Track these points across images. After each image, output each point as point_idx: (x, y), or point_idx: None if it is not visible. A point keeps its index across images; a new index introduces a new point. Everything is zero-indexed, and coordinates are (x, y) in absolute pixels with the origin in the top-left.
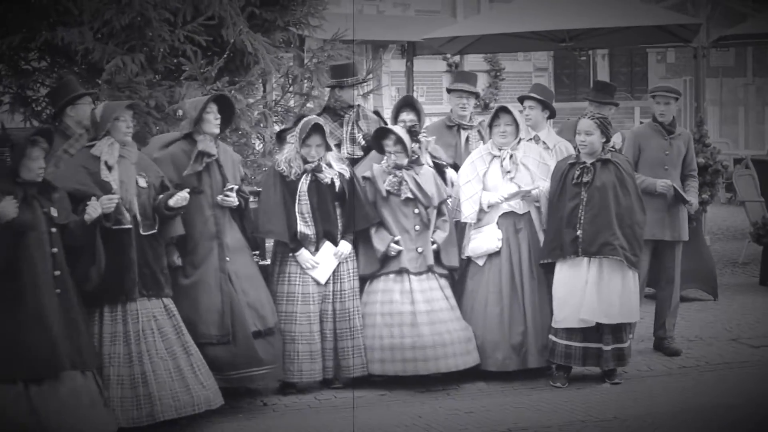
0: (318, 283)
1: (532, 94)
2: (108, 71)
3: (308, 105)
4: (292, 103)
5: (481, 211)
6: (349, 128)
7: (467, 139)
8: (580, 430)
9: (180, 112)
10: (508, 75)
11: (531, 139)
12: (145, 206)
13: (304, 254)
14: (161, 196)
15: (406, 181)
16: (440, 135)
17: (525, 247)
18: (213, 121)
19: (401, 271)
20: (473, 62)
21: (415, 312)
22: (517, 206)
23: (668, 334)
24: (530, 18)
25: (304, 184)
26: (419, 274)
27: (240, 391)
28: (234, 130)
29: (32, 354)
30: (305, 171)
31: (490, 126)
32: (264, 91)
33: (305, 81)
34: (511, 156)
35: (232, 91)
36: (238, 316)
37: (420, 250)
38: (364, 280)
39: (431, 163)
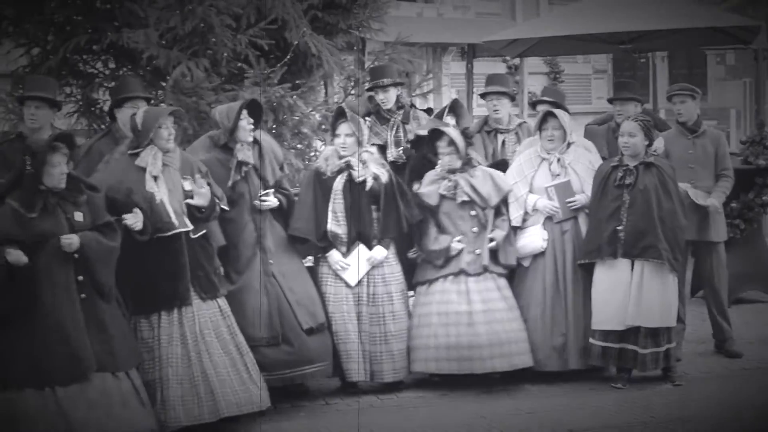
0: (348, 285)
1: (544, 98)
2: (174, 78)
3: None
4: None
5: (526, 213)
6: (394, 132)
7: (503, 143)
8: (642, 431)
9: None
10: (568, 77)
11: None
12: (193, 213)
13: (334, 255)
14: (186, 200)
15: (460, 184)
16: (475, 139)
17: (570, 249)
18: (246, 127)
19: (459, 273)
20: (532, 65)
21: (471, 312)
22: (559, 213)
23: (727, 336)
24: (590, 20)
25: (339, 183)
26: (477, 275)
27: (301, 390)
28: (296, 134)
29: (53, 361)
30: (341, 169)
31: (540, 130)
32: (326, 94)
33: (366, 84)
34: (558, 159)
35: (294, 96)
36: (287, 316)
37: (478, 252)
38: (419, 284)
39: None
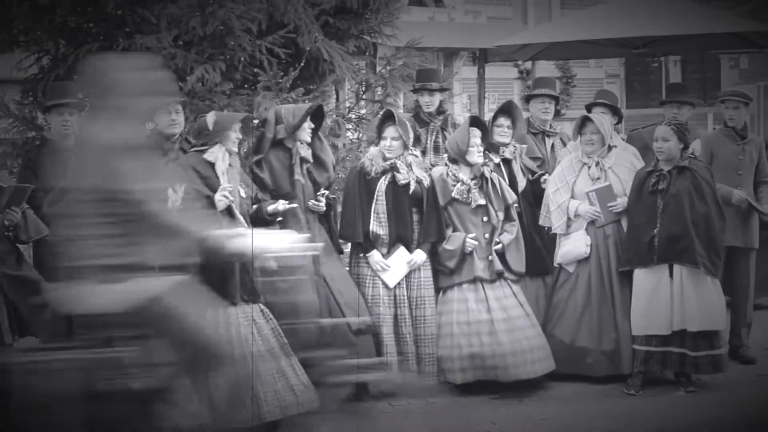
0: (387, 287)
1: (601, 100)
2: (193, 80)
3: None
4: (364, 110)
5: (569, 219)
6: (434, 137)
7: (552, 146)
8: None
9: (256, 122)
10: (580, 82)
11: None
12: (245, 216)
13: (375, 255)
14: (261, 203)
15: (476, 187)
16: (528, 143)
17: (614, 253)
18: (307, 129)
19: (475, 280)
20: (544, 69)
21: (492, 320)
22: (600, 218)
23: (743, 342)
24: (603, 26)
25: (382, 184)
26: (492, 282)
27: (354, 393)
28: None
29: None
30: (385, 170)
31: (580, 134)
32: (337, 99)
33: (378, 88)
34: (597, 163)
35: (306, 101)
36: (337, 317)
37: (491, 258)
38: (436, 291)
39: (523, 169)
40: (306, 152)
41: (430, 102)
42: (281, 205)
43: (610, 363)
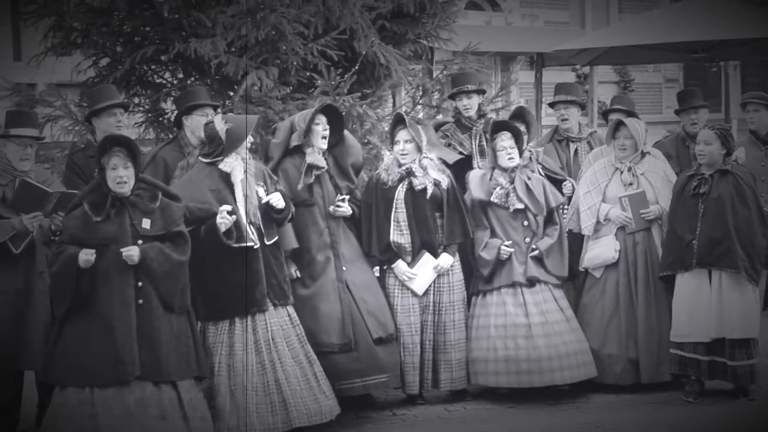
0: (416, 295)
1: (615, 107)
2: (244, 86)
3: (438, 117)
4: (421, 115)
5: (598, 222)
6: (477, 141)
7: (576, 151)
8: None
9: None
10: (638, 86)
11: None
12: (266, 216)
13: (400, 266)
14: (263, 201)
15: (515, 190)
16: (548, 149)
17: (642, 261)
18: (321, 132)
19: (514, 284)
20: (602, 74)
21: (530, 324)
22: (632, 224)
23: None
24: (661, 29)
25: (400, 192)
26: (531, 286)
27: (369, 400)
28: (365, 143)
29: (95, 361)
30: (401, 177)
31: (613, 138)
32: (394, 104)
33: (435, 93)
34: (629, 168)
35: (363, 106)
36: (359, 325)
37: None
38: (474, 295)
39: (540, 173)
40: (316, 158)
41: (468, 105)
42: (278, 198)
43: (636, 371)
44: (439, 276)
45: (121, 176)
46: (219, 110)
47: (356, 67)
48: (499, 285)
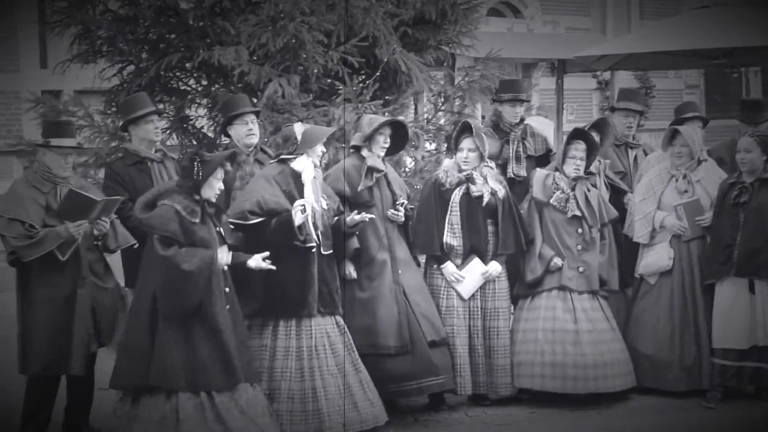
0: (461, 298)
1: (692, 114)
2: (267, 95)
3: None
4: (443, 121)
5: (653, 230)
6: (515, 146)
7: (635, 158)
8: None
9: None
10: (659, 92)
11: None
12: (326, 227)
13: (449, 267)
14: (341, 216)
15: (575, 198)
16: (608, 155)
17: (697, 268)
18: (381, 142)
19: (563, 288)
20: (623, 80)
21: (578, 331)
22: (687, 232)
23: None
24: (682, 36)
25: (457, 195)
26: (581, 293)
27: (391, 405)
28: None
29: (209, 366)
30: (460, 182)
31: (670, 146)
32: (416, 111)
33: (457, 100)
34: (684, 176)
35: (386, 113)
36: (414, 327)
37: (581, 269)
38: (521, 298)
39: (607, 184)
40: (376, 162)
41: (518, 113)
42: (358, 216)
43: (690, 377)
44: (486, 282)
45: (222, 187)
46: (259, 116)
47: (378, 74)
48: (550, 287)
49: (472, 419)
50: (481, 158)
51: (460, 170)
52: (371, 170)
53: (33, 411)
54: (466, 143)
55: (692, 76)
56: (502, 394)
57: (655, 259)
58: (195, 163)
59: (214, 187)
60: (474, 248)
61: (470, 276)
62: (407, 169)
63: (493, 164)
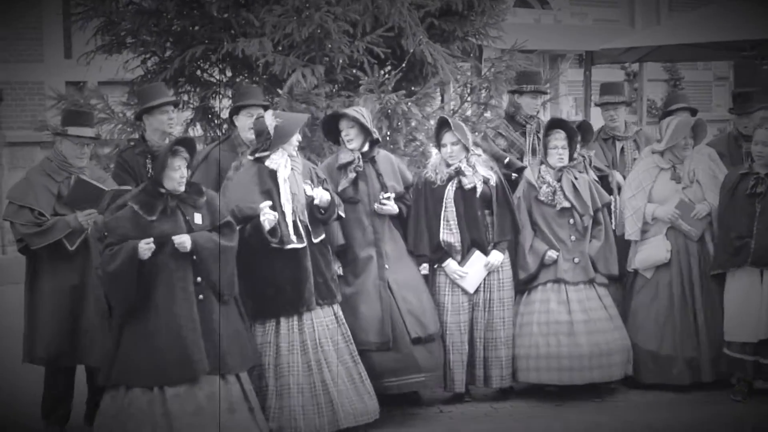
0: (467, 293)
1: (680, 105)
2: (289, 84)
3: (485, 114)
4: (469, 112)
5: (646, 223)
6: (531, 139)
7: (622, 149)
8: None
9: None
10: (687, 84)
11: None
12: (314, 214)
13: (450, 265)
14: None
15: (562, 189)
16: (593, 147)
17: (695, 259)
18: (343, 136)
19: (558, 281)
20: (652, 72)
21: (572, 321)
22: (693, 233)
23: None
24: (711, 28)
25: (450, 191)
26: (576, 284)
27: (415, 397)
28: (411, 140)
29: (165, 361)
30: (450, 177)
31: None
32: (442, 101)
33: (483, 91)
34: (674, 167)
35: (409, 103)
36: (398, 324)
37: (576, 260)
38: (520, 292)
39: (595, 177)
40: (345, 157)
41: (536, 105)
42: (320, 190)
43: (691, 371)
44: (489, 273)
45: (183, 176)
46: (269, 108)
47: (403, 65)
48: (545, 280)
49: (498, 411)
50: (466, 149)
51: (448, 165)
52: (343, 166)
53: (53, 403)
54: (447, 137)
55: (721, 68)
56: (504, 385)
57: (652, 252)
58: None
59: (173, 178)
60: (474, 241)
61: (473, 270)
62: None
63: (480, 150)
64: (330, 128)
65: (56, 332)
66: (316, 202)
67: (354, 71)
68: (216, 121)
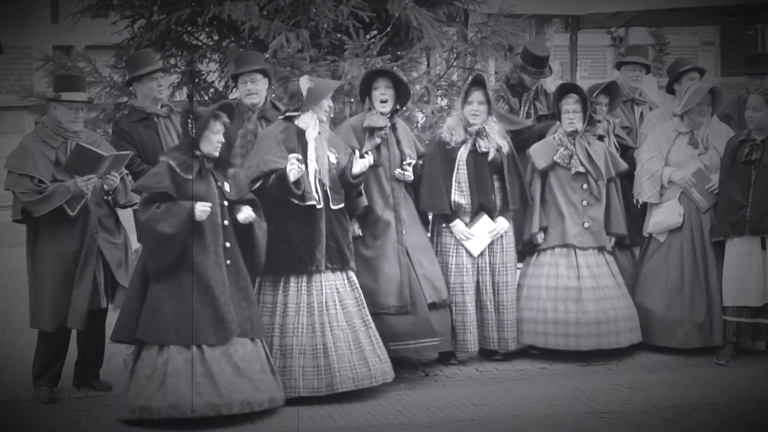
0: (471, 255)
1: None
2: (272, 48)
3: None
4: (455, 77)
5: (662, 187)
6: (526, 108)
7: (641, 114)
8: (745, 408)
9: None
10: (674, 49)
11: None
12: (335, 181)
13: (458, 225)
14: (346, 165)
15: (577, 154)
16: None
17: (707, 225)
18: (378, 97)
19: (567, 246)
20: (638, 37)
21: (580, 288)
22: (702, 204)
23: None
24: None
25: (463, 153)
26: (586, 249)
27: (401, 361)
28: None
29: (202, 320)
30: (465, 139)
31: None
32: (428, 65)
33: (468, 56)
34: (692, 132)
35: (394, 67)
36: (415, 288)
37: (586, 225)
38: (528, 254)
39: (616, 144)
40: (373, 120)
41: (536, 82)
42: (365, 161)
43: (701, 335)
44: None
45: (221, 141)
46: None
47: (389, 30)
48: (553, 245)
49: (483, 375)
50: (489, 113)
51: (468, 126)
52: (370, 129)
53: (44, 365)
54: (477, 96)
55: (708, 33)
56: (511, 348)
57: (665, 216)
58: (188, 120)
59: (212, 141)
60: (482, 206)
61: (479, 233)
62: (418, 125)
63: (496, 118)
64: (365, 86)
65: (56, 299)
66: (355, 170)
67: (339, 35)
68: (203, 85)
